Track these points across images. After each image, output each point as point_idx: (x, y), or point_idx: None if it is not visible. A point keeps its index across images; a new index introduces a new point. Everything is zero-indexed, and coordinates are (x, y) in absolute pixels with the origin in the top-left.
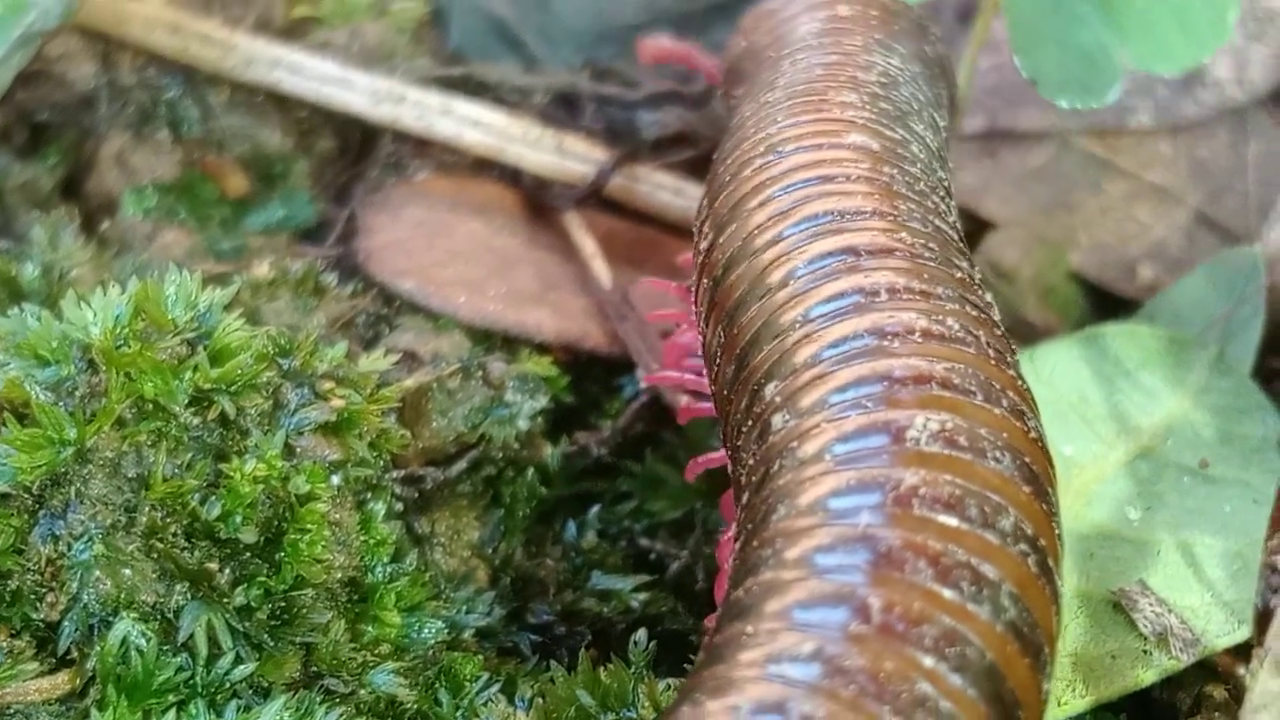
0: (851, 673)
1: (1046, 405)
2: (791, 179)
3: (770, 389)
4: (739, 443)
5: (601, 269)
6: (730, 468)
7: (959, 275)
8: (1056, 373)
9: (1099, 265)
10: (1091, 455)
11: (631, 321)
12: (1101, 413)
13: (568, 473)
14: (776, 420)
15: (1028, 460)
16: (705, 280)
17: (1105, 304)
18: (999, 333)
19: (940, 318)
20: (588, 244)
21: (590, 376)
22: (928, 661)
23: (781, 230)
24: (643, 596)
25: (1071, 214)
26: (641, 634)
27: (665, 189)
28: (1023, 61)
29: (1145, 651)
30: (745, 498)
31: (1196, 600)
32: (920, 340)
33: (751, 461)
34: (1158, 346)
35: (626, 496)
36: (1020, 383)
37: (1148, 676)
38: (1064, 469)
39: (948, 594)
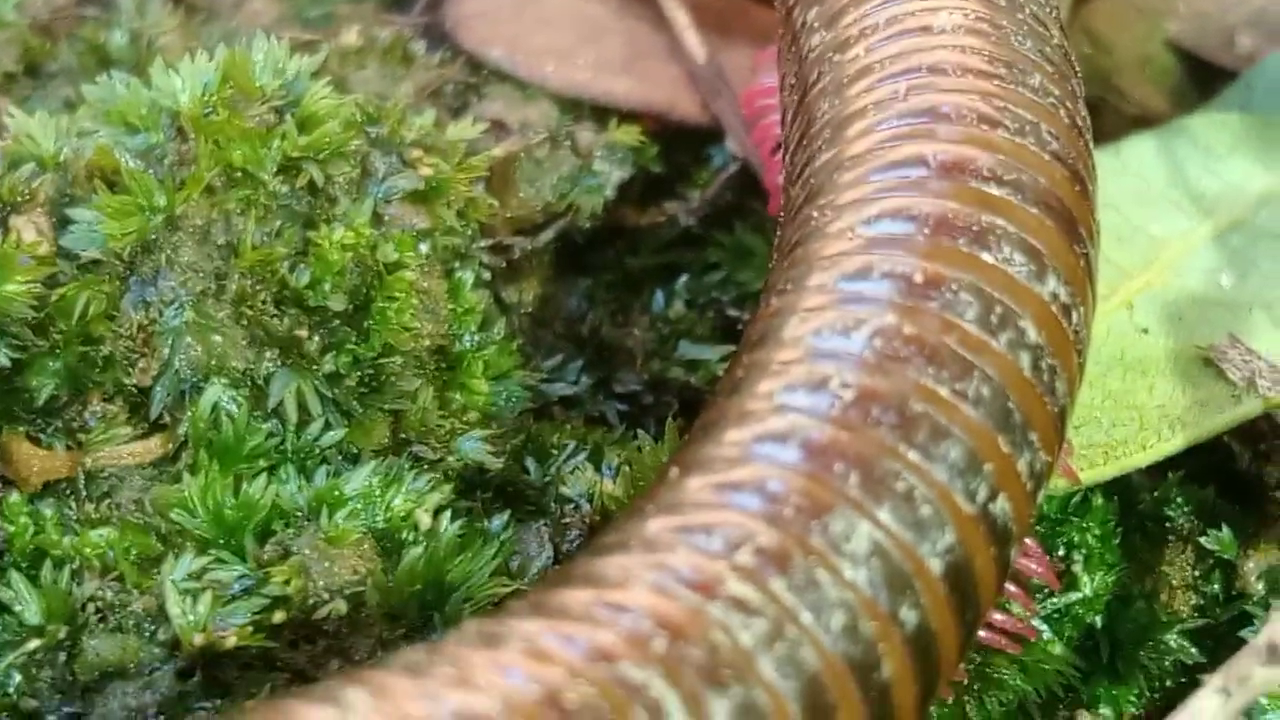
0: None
1: (1134, 194)
2: None
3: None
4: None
5: (694, 42)
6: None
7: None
8: (1144, 162)
9: (1197, 34)
10: (1179, 232)
11: (725, 96)
12: (1190, 195)
13: (655, 243)
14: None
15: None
16: (791, 71)
17: (1202, 74)
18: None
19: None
20: (679, 15)
21: (679, 146)
22: None
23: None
24: None
25: None
26: None
27: None
28: None
29: (1234, 396)
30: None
31: None
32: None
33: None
34: (1247, 132)
35: (714, 267)
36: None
37: (1240, 414)
38: (1151, 247)
39: None
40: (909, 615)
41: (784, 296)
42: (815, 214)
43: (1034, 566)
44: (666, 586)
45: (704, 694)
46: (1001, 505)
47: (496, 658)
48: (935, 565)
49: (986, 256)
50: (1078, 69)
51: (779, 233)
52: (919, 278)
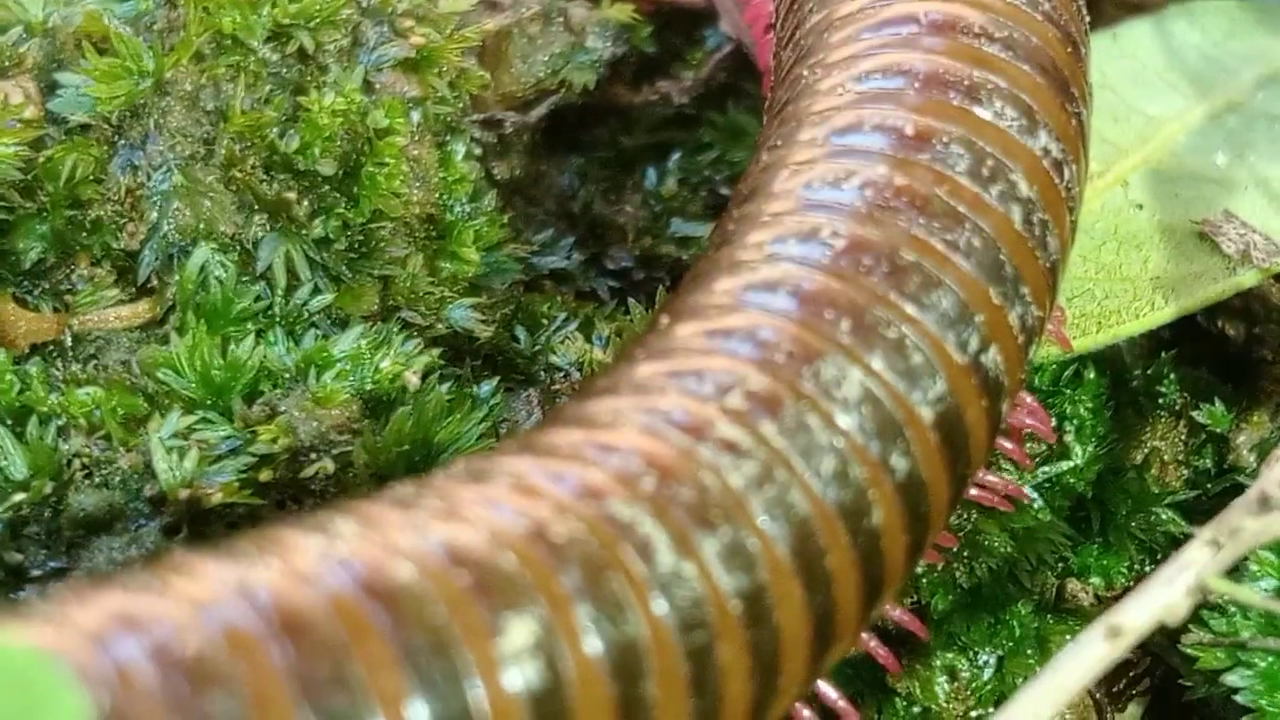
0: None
1: (1130, 75)
2: None
3: None
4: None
5: None
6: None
7: None
8: (1141, 45)
9: None
10: (1175, 112)
11: None
12: (1186, 76)
13: (648, 121)
14: None
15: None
16: None
17: None
18: None
19: None
20: None
21: (673, 26)
22: None
23: None
24: None
25: None
26: None
27: None
28: None
29: (1228, 268)
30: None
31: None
32: None
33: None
34: (1244, 17)
35: (708, 146)
36: None
37: (1234, 284)
38: (1147, 126)
39: None
40: (899, 463)
41: (774, 152)
42: (806, 73)
43: (1030, 421)
44: (656, 428)
45: (693, 533)
46: (993, 357)
47: (485, 492)
48: (926, 414)
49: (978, 110)
50: None
51: (770, 97)
52: (910, 130)
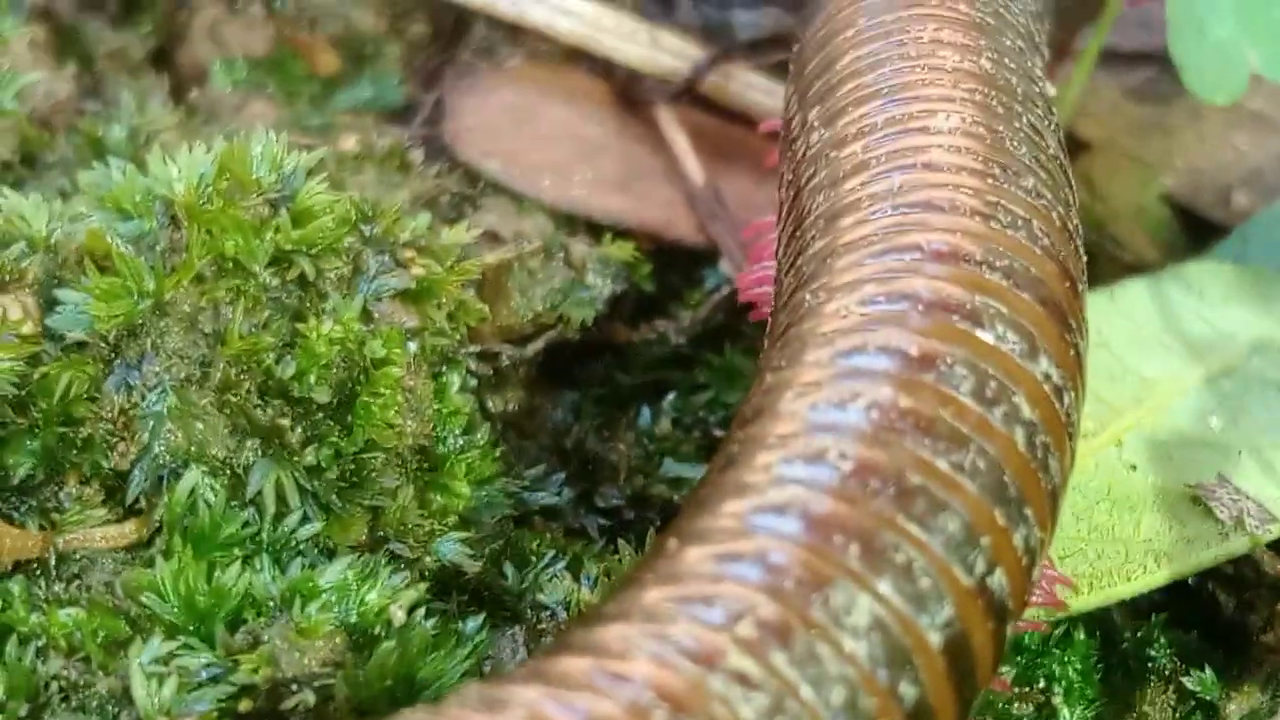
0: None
1: (1127, 335)
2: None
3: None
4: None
5: (693, 165)
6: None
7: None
8: (1138, 306)
9: (1193, 190)
10: (1170, 374)
11: (722, 219)
12: (1182, 339)
13: (645, 360)
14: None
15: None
16: (788, 169)
17: (1197, 227)
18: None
19: (992, 201)
20: (680, 139)
21: (672, 266)
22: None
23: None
24: None
25: (1168, 137)
26: None
27: (758, 89)
28: (1172, 44)
29: (1221, 534)
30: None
31: (1274, 494)
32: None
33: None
34: (1241, 281)
35: (703, 387)
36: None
37: (1226, 551)
38: (1142, 388)
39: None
40: (908, 690)
41: (779, 373)
42: (809, 296)
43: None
44: (667, 657)
45: None
46: (999, 579)
47: None
48: (935, 639)
49: (981, 334)
50: (1072, 181)
51: (769, 322)
52: (915, 352)
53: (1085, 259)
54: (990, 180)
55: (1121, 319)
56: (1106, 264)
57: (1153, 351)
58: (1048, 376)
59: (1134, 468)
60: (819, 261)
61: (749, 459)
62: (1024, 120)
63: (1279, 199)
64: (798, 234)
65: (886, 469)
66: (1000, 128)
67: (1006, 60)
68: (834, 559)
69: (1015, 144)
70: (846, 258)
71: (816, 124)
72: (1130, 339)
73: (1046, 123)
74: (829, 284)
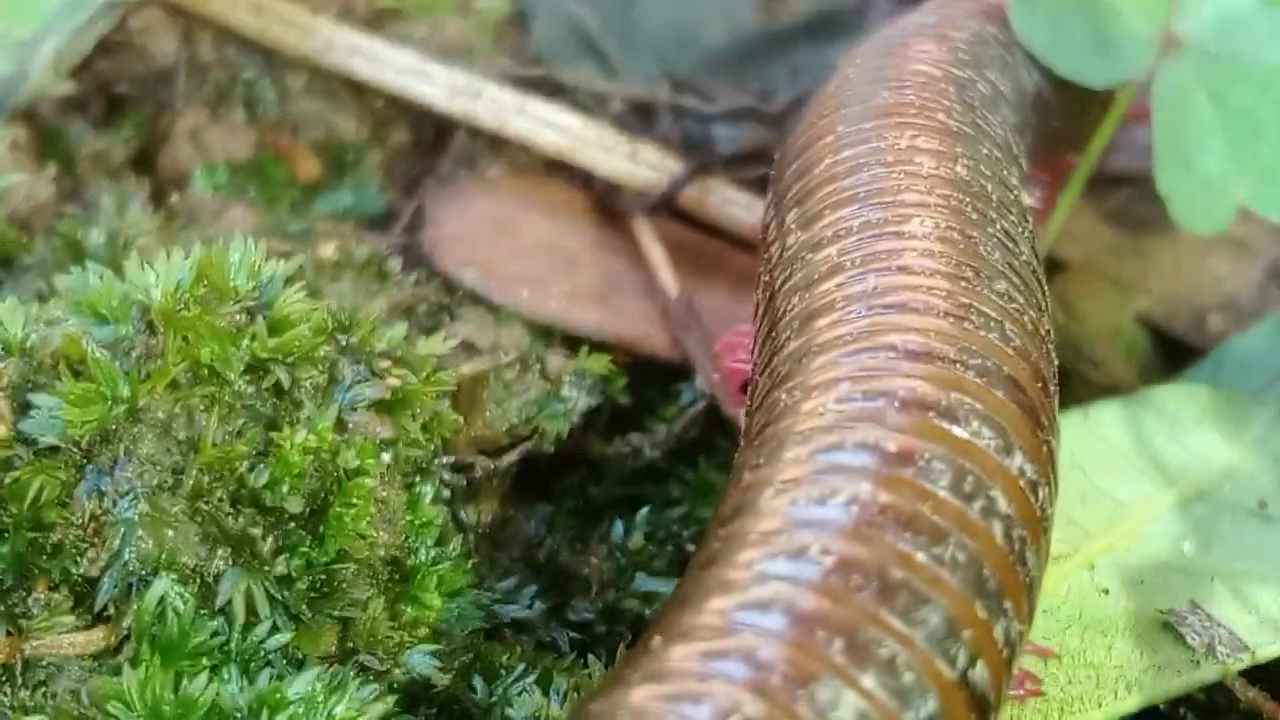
0: None
1: (1100, 457)
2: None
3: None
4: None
5: (668, 277)
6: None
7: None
8: (1111, 428)
9: (1168, 313)
10: (1143, 497)
11: (695, 333)
12: (1155, 463)
13: (619, 473)
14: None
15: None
16: (765, 271)
17: (1172, 349)
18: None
19: (965, 303)
20: (656, 251)
21: (648, 380)
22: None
23: (843, 239)
24: None
25: (1145, 260)
26: None
27: (736, 204)
28: (1158, 175)
29: (1193, 661)
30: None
31: (1246, 621)
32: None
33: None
34: (1214, 405)
35: (677, 502)
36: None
37: (1197, 679)
38: (1115, 511)
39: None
40: None
41: (757, 471)
42: (784, 396)
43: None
44: None
45: None
46: (980, 672)
47: None
48: None
49: (956, 430)
50: (1045, 287)
51: (745, 424)
52: (893, 448)
53: (1057, 362)
54: (963, 283)
55: (1095, 440)
56: (1081, 384)
57: (1126, 474)
58: (1022, 471)
59: (1106, 592)
60: (794, 361)
61: (731, 556)
62: (998, 226)
63: (1253, 324)
64: (773, 335)
65: (868, 564)
66: (974, 233)
67: (982, 168)
68: (819, 655)
69: (988, 249)
70: (822, 357)
71: (794, 227)
72: (1103, 461)
73: (1020, 229)
74: (805, 383)
